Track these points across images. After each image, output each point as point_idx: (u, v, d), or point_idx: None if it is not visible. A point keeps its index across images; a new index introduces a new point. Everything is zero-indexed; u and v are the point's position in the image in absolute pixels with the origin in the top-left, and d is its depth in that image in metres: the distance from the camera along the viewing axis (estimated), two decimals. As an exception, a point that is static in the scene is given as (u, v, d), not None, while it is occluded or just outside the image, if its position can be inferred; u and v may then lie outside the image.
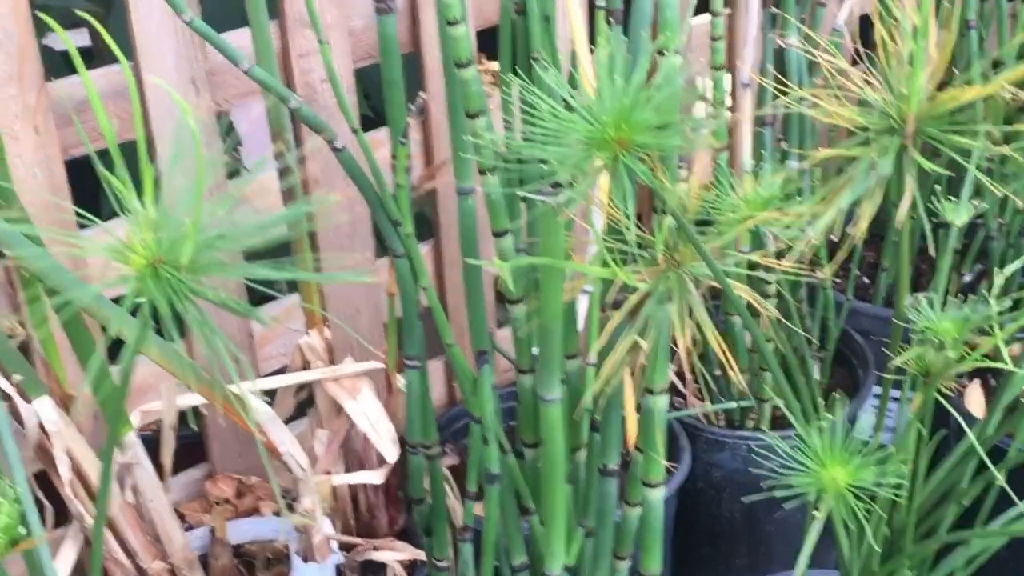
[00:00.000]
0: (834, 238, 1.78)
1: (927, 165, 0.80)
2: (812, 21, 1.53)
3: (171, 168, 0.67)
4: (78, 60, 1.00)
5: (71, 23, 1.68)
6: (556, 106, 0.81)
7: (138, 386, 1.36)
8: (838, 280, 1.76)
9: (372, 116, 1.96)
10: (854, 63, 1.92)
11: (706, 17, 1.50)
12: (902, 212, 0.82)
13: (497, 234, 1.02)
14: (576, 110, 0.79)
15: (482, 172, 0.99)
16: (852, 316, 1.72)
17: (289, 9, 1.35)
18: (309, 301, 1.33)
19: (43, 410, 1.17)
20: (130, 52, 1.29)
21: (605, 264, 0.90)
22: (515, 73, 1.05)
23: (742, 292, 0.93)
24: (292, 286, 1.52)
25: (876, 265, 1.83)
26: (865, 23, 1.77)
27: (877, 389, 1.75)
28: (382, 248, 1.48)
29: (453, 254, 1.57)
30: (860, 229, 0.78)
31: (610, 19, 0.98)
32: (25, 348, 1.27)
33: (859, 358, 1.70)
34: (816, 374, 1.65)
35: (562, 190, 0.86)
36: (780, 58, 1.51)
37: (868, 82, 0.85)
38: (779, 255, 1.13)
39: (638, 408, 1.03)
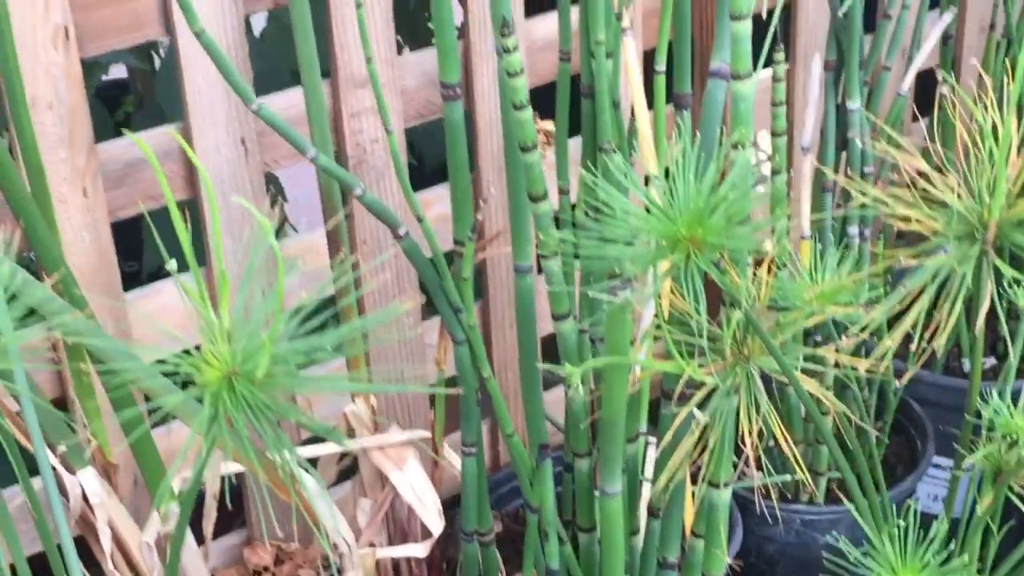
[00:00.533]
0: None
1: (1009, 272, 0.80)
2: (876, 85, 1.53)
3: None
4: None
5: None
6: (625, 200, 0.82)
7: (177, 449, 1.37)
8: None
9: (415, 164, 1.97)
10: (915, 118, 1.91)
11: (766, 71, 1.50)
12: (980, 319, 0.83)
13: (557, 317, 1.03)
14: (650, 210, 0.80)
15: (542, 256, 1.00)
16: (910, 383, 1.72)
17: (342, 69, 1.37)
18: (355, 367, 1.35)
19: (87, 482, 1.19)
20: (180, 111, 1.31)
21: (671, 357, 0.91)
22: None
23: (809, 386, 0.93)
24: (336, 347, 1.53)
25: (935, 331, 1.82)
26: (929, 79, 1.77)
27: (936, 459, 1.75)
28: (430, 306, 1.50)
29: (500, 317, 1.58)
30: (940, 343, 0.78)
31: (680, 107, 0.99)
32: (66, 407, 1.28)
33: (917, 428, 1.70)
34: (873, 444, 1.65)
35: (630, 287, 0.87)
36: (842, 121, 1.52)
37: (940, 170, 0.86)
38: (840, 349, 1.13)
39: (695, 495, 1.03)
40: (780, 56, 1.39)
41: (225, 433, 0.68)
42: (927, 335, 0.83)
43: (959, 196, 0.81)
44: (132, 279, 1.34)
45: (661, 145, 1.26)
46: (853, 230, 1.56)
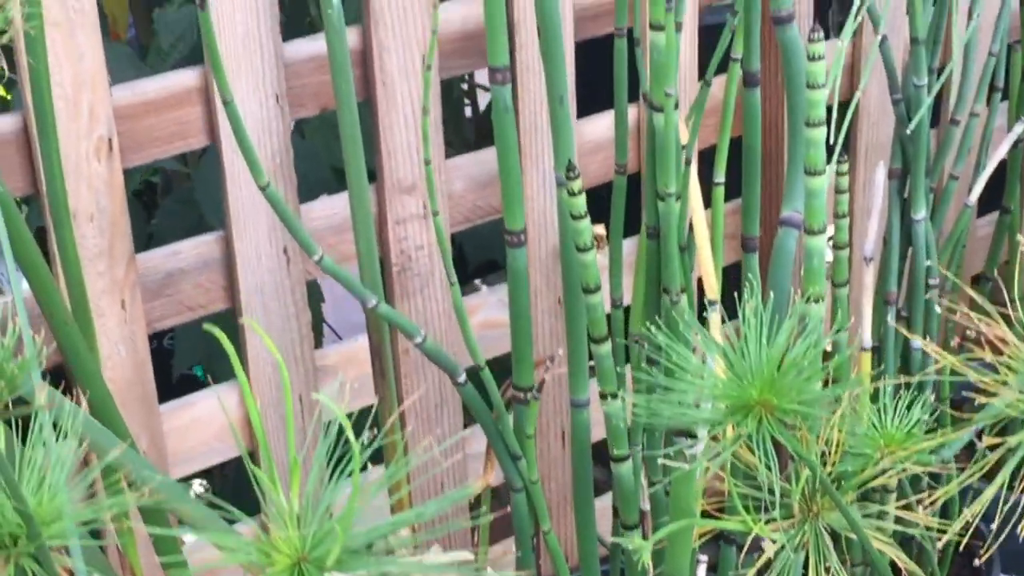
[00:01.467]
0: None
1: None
2: (942, 194, 1.55)
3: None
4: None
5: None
6: (696, 362, 0.84)
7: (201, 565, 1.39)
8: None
9: (457, 261, 2.00)
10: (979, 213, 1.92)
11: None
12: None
13: (616, 459, 1.05)
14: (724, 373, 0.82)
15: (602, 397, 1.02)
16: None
17: (388, 175, 1.40)
18: (396, 489, 1.36)
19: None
20: (222, 220, 1.33)
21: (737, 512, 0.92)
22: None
23: (882, 548, 0.95)
24: (377, 456, 1.56)
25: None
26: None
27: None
28: (467, 417, 1.52)
29: (545, 426, 1.60)
30: (1024, 526, 0.80)
31: (748, 249, 1.01)
32: (98, 534, 1.30)
33: (983, 545, 1.70)
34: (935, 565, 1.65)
35: (699, 450, 0.89)
36: (907, 232, 1.53)
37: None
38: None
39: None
40: (844, 168, 1.41)
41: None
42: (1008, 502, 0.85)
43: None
44: (162, 385, 1.36)
45: (718, 257, 1.28)
46: (916, 344, 1.57)
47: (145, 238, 1.70)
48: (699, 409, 0.83)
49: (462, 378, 1.04)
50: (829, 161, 1.18)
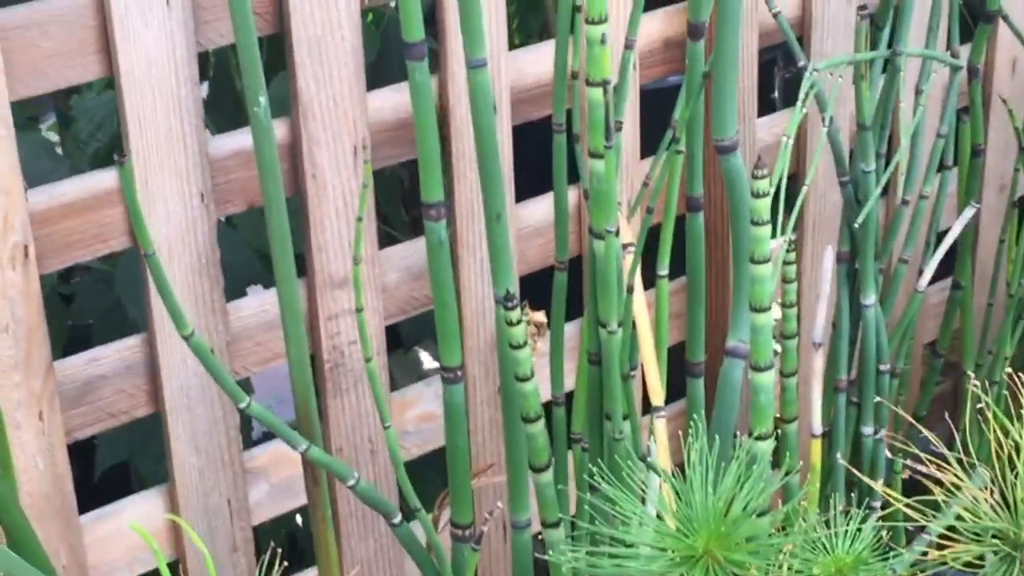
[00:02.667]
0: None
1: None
2: (892, 277, 1.57)
3: None
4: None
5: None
6: (640, 508, 0.85)
7: None
8: None
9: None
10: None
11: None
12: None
13: (559, 588, 1.05)
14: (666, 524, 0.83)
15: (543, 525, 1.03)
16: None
17: (319, 270, 1.40)
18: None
19: None
20: (145, 322, 1.33)
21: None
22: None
23: None
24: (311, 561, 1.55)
25: None
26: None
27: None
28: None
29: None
30: None
31: (693, 375, 1.02)
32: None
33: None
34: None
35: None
36: (856, 317, 1.56)
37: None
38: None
39: None
40: (791, 256, 1.43)
41: None
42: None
43: (993, 509, 0.84)
44: (82, 487, 1.36)
45: (662, 358, 1.29)
46: (868, 429, 1.59)
47: (62, 324, 1.69)
48: (643, 561, 0.84)
49: (397, 519, 1.04)
50: (775, 235, 1.20)
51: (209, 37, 1.28)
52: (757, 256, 0.86)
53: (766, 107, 1.74)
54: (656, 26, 1.55)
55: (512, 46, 1.47)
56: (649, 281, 1.40)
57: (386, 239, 1.86)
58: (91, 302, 1.76)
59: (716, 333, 1.60)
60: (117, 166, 1.02)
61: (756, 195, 0.84)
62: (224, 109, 1.74)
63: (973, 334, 1.82)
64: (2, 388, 1.24)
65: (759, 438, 0.90)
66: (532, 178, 1.57)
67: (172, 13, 1.23)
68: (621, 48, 1.33)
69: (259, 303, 1.39)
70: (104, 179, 1.27)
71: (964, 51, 1.64)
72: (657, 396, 1.23)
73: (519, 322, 0.94)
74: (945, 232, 1.66)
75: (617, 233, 0.95)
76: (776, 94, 2.24)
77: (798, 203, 1.44)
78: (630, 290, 1.07)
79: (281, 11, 1.31)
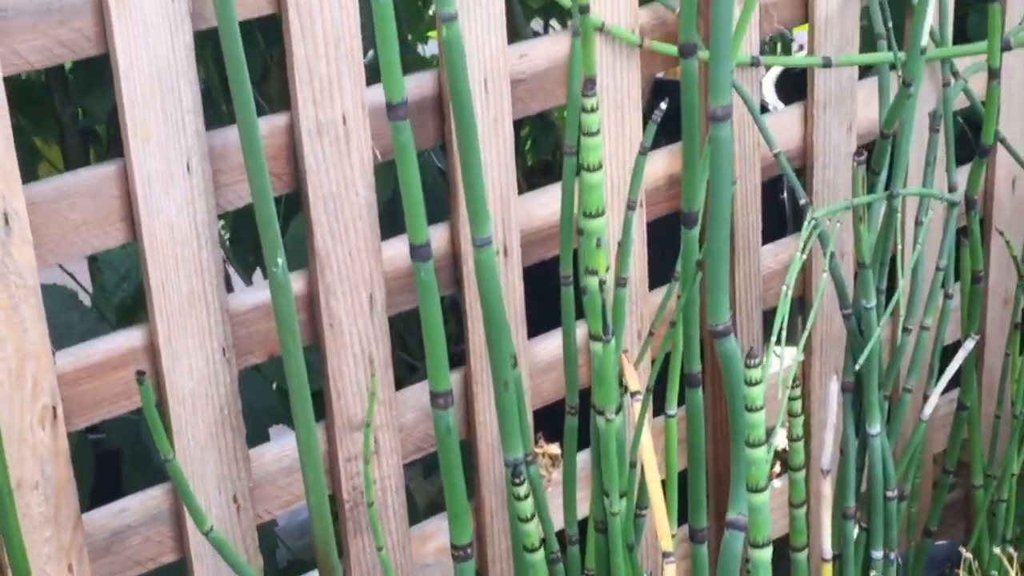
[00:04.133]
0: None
1: None
2: (896, 405, 1.60)
3: None
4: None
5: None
6: None
7: None
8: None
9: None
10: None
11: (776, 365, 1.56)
12: None
13: None
14: None
15: None
16: None
17: (338, 414, 1.43)
18: None
19: None
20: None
21: None
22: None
23: None
24: None
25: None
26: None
27: None
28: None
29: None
30: None
31: (696, 540, 1.05)
32: None
33: None
34: None
35: None
36: (863, 444, 1.58)
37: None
38: None
39: None
40: (796, 392, 1.46)
41: None
42: None
43: None
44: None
45: (672, 508, 1.31)
46: (877, 553, 1.61)
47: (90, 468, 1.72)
48: None
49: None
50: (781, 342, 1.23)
51: (228, 199, 1.32)
52: (752, 440, 0.89)
53: (772, 216, 1.75)
54: (661, 164, 1.59)
55: (525, 167, 1.50)
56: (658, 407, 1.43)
57: (404, 368, 1.89)
58: (118, 432, 1.79)
59: (720, 499, 1.63)
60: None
61: (749, 383, 0.87)
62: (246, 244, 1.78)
63: (982, 449, 1.84)
64: (33, 543, 1.27)
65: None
66: (544, 311, 1.60)
67: (192, 180, 1.28)
68: (623, 207, 1.37)
69: (280, 448, 1.43)
70: (129, 338, 1.31)
71: (963, 172, 1.67)
72: (667, 541, 1.25)
73: (527, 496, 0.97)
74: (949, 347, 1.69)
75: (619, 411, 0.98)
76: (784, 197, 2.26)
77: (807, 329, 1.47)
78: (632, 465, 1.10)
79: (297, 171, 1.35)
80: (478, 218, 1.03)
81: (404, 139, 1.03)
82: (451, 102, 1.11)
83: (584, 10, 1.24)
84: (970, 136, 1.87)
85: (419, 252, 1.07)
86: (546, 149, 2.19)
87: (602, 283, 1.00)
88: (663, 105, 1.17)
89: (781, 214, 2.09)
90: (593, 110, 1.01)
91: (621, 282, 1.23)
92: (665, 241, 1.57)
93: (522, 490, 0.95)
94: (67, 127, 1.86)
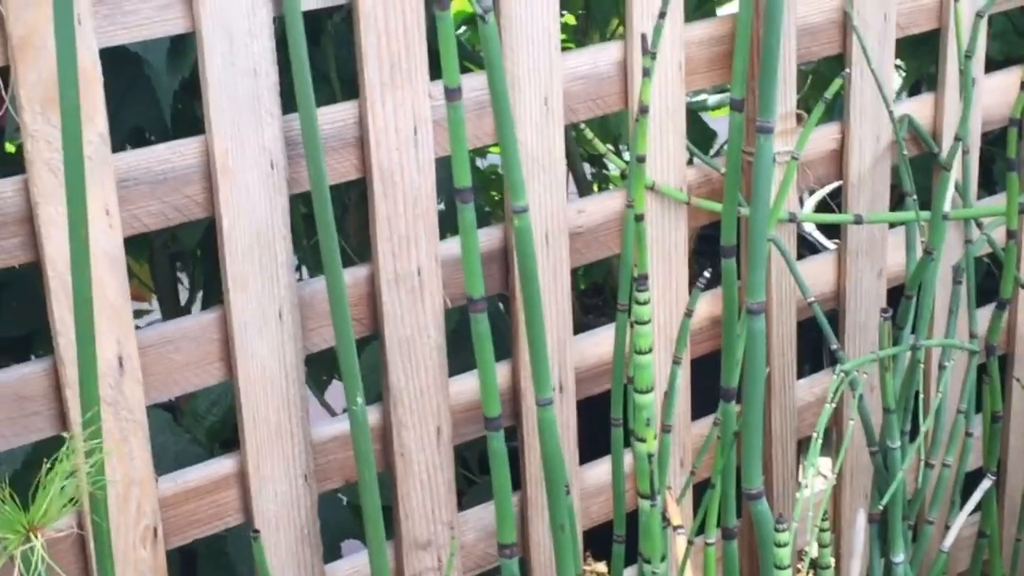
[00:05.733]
0: None
1: None
2: (919, 534, 1.70)
3: None
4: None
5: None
6: None
7: None
8: None
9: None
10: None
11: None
12: None
13: None
14: None
15: None
16: None
17: (405, 534, 1.55)
18: None
19: None
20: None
21: None
22: None
23: None
24: None
25: None
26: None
27: None
28: None
29: None
30: None
31: None
32: None
33: None
34: None
35: None
36: (887, 573, 1.68)
37: None
38: None
39: None
40: (826, 525, 1.56)
41: None
42: None
43: None
44: None
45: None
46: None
47: None
48: None
49: None
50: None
51: (314, 342, 1.45)
52: (779, 585, 1.00)
53: (807, 346, 1.85)
54: (705, 308, 1.71)
55: (578, 289, 1.59)
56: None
57: (463, 481, 2.01)
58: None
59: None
60: (251, 538, 1.22)
61: (778, 545, 0.99)
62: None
63: (1003, 571, 1.93)
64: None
65: None
66: (596, 435, 1.71)
67: (283, 326, 1.41)
68: (670, 346, 1.49)
69: (351, 565, 1.55)
70: (223, 465, 1.44)
71: (986, 313, 1.77)
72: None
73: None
74: (971, 473, 1.78)
75: (663, 559, 1.09)
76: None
77: (837, 463, 1.57)
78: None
79: (376, 316, 1.47)
80: (540, 380, 1.15)
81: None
82: (519, 275, 1.23)
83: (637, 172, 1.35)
84: (994, 268, 1.99)
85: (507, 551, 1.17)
86: (598, 275, 2.31)
87: (651, 456, 1.11)
88: (707, 274, 1.29)
89: (818, 346, 2.20)
90: (646, 303, 1.13)
91: (666, 428, 1.34)
92: (708, 368, 1.68)
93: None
94: (157, 250, 2.00)
